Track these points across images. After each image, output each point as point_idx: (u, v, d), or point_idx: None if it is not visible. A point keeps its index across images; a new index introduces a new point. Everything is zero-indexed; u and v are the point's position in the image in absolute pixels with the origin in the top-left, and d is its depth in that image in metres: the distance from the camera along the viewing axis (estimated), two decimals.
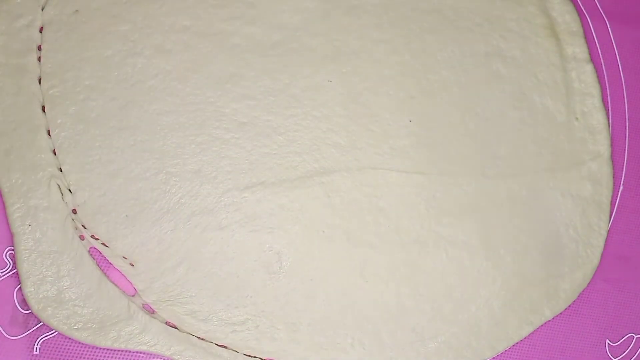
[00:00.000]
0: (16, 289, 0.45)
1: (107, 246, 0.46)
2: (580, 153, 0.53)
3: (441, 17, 0.54)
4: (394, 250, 0.49)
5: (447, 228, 0.50)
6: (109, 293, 0.45)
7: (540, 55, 0.54)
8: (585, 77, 0.54)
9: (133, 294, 0.46)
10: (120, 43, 0.49)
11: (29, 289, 0.44)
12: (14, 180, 0.46)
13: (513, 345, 0.50)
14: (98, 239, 0.46)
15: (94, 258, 0.46)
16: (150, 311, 0.46)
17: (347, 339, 0.47)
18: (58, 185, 0.46)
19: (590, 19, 0.56)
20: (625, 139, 0.55)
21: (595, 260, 0.52)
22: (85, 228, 0.46)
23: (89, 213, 0.46)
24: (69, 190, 0.46)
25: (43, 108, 0.47)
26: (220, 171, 0.48)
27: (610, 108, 0.55)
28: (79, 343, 0.45)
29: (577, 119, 0.54)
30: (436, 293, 0.49)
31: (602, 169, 0.53)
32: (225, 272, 0.47)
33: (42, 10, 0.48)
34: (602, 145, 0.53)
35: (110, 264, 0.46)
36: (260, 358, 0.47)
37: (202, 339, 0.46)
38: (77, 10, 0.48)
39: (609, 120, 0.54)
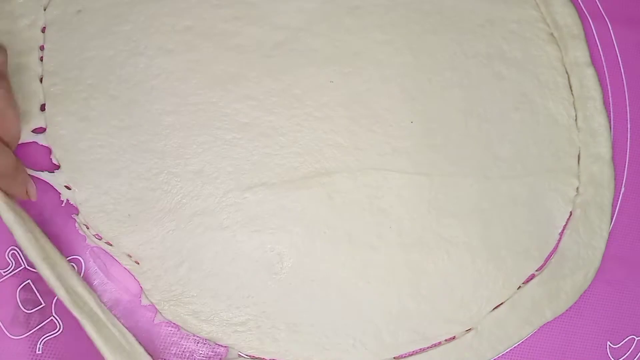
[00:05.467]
0: (19, 288, 0.45)
1: (111, 245, 0.46)
2: (581, 155, 0.53)
3: (443, 18, 0.54)
4: (395, 251, 0.49)
5: (449, 229, 0.50)
6: None
7: (541, 57, 0.54)
8: (586, 80, 0.54)
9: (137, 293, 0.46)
10: (123, 43, 0.49)
11: None
12: None
13: (514, 347, 0.50)
14: (102, 238, 0.46)
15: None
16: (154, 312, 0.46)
17: (349, 340, 0.47)
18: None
19: (592, 21, 0.56)
20: (627, 141, 0.55)
21: (596, 261, 0.52)
22: (88, 228, 0.46)
23: (92, 211, 0.46)
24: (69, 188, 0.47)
25: (42, 107, 0.47)
26: (222, 171, 0.48)
27: (612, 110, 0.55)
28: (82, 342, 0.45)
29: (578, 121, 0.54)
30: (437, 294, 0.49)
31: (604, 171, 0.53)
32: (227, 273, 0.47)
33: (45, 10, 0.48)
34: (604, 148, 0.53)
35: (111, 267, 0.46)
36: (262, 359, 0.47)
37: (206, 340, 0.46)
38: (79, 11, 0.48)
39: (610, 123, 0.54)
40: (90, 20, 0.48)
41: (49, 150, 0.47)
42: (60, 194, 0.46)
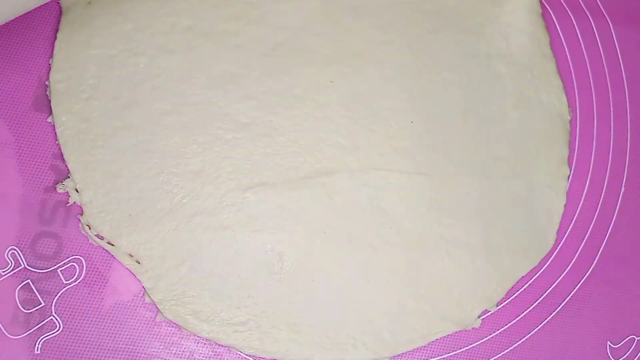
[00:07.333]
0: (17, 288, 0.45)
1: (112, 244, 0.46)
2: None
3: (443, 18, 0.54)
4: (395, 251, 0.49)
5: (448, 229, 0.50)
6: None
7: (534, 47, 0.54)
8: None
9: (137, 293, 0.46)
10: (124, 42, 0.49)
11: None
12: None
13: (514, 347, 0.50)
14: (103, 238, 0.46)
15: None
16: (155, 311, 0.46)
17: (349, 339, 0.47)
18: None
19: (593, 20, 0.56)
20: (627, 141, 0.55)
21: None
22: (90, 228, 0.46)
23: (95, 211, 0.46)
24: (76, 189, 0.46)
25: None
26: (222, 171, 0.48)
27: (612, 110, 0.55)
28: (81, 343, 0.45)
29: (570, 112, 0.54)
30: (437, 293, 0.49)
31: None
32: (227, 273, 0.47)
33: None
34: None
35: (112, 266, 0.46)
36: (262, 359, 0.47)
37: (207, 340, 0.46)
38: (89, 2, 0.48)
39: (611, 122, 0.54)
40: (97, 15, 0.48)
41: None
42: (61, 193, 0.46)
